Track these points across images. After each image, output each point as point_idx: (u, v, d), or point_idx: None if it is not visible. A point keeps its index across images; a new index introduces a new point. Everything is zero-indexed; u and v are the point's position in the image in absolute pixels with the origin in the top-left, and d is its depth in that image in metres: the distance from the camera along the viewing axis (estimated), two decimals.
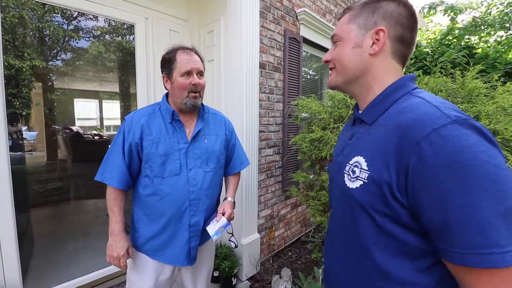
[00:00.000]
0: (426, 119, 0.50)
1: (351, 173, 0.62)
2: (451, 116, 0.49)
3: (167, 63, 1.17)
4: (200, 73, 1.20)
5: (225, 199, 1.38)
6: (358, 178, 0.59)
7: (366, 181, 0.56)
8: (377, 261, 0.57)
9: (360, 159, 0.60)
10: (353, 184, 0.60)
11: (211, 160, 1.25)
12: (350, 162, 0.63)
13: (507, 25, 5.30)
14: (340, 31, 0.69)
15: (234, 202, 1.39)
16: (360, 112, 0.70)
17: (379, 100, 0.64)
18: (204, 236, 1.28)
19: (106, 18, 1.97)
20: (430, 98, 0.56)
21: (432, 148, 0.47)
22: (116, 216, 1.17)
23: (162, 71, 1.22)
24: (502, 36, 5.77)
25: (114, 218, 1.17)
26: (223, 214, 1.26)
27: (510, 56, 4.63)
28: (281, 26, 2.56)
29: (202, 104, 1.27)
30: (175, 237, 1.20)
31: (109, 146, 1.19)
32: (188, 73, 1.15)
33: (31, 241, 2.52)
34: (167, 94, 1.27)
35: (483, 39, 5.90)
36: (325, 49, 3.37)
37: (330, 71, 0.73)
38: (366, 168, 0.57)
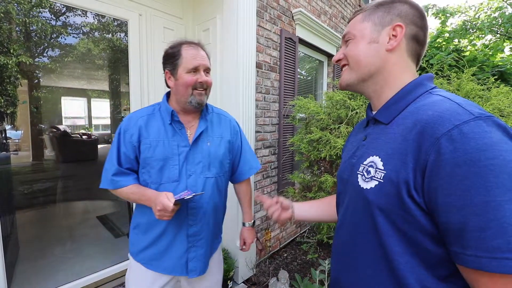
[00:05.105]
0: (447, 115, 0.48)
1: (365, 174, 0.60)
2: (474, 112, 0.47)
3: (171, 58, 1.08)
4: (207, 70, 1.13)
5: (243, 224, 1.37)
6: (373, 178, 0.57)
7: (382, 181, 0.55)
8: (395, 266, 0.54)
9: (375, 159, 0.58)
10: (367, 185, 0.58)
11: (213, 165, 1.14)
12: (365, 163, 0.61)
13: (495, 29, 5.45)
14: (354, 29, 0.67)
15: (253, 223, 1.37)
16: (374, 112, 0.68)
17: (396, 99, 0.62)
18: (214, 244, 1.24)
19: (98, 14, 1.90)
20: (451, 96, 0.55)
21: (452, 145, 0.45)
22: (143, 191, 1.07)
23: (164, 67, 1.13)
24: (491, 39, 5.93)
25: (144, 196, 1.05)
26: (244, 244, 1.30)
27: (497, 60, 4.77)
28: (278, 26, 2.54)
29: (206, 103, 1.20)
30: (172, 247, 1.11)
31: (109, 151, 1.11)
32: (195, 70, 1.07)
33: (16, 246, 2.40)
34: (168, 94, 1.19)
35: (472, 42, 6.05)
36: (320, 50, 3.37)
37: (342, 70, 0.71)
38: (382, 168, 0.55)
